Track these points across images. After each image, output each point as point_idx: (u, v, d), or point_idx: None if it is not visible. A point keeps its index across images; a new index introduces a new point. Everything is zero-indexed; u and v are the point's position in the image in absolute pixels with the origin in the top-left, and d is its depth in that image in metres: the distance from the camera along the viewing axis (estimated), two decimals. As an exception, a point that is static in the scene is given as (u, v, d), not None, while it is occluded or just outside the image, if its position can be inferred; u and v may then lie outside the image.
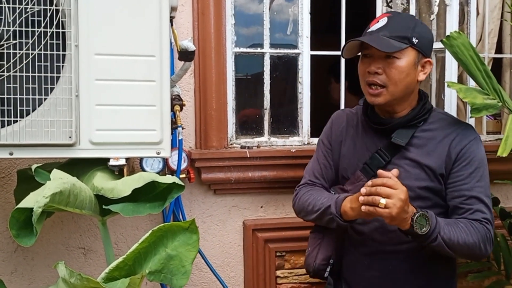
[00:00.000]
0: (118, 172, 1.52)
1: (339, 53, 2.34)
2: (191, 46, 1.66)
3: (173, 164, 2.06)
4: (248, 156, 2.14)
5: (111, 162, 1.49)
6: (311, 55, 2.34)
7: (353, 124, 1.73)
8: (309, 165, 1.82)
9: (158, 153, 1.52)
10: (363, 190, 1.42)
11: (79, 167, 1.59)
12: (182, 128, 1.84)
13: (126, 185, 1.37)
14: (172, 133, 1.84)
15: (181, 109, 1.74)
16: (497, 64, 2.62)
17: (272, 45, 2.31)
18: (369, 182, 1.44)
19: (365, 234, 1.65)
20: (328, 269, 1.73)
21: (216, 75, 2.15)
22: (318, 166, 1.78)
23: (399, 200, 1.37)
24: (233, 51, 2.25)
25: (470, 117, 1.53)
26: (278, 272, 2.27)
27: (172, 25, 1.63)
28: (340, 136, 1.74)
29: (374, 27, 1.57)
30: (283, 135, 2.37)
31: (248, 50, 2.31)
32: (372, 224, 1.62)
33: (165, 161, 2.02)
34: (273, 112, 2.36)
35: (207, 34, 2.14)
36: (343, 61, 2.37)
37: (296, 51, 2.34)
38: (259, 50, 2.31)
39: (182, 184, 1.37)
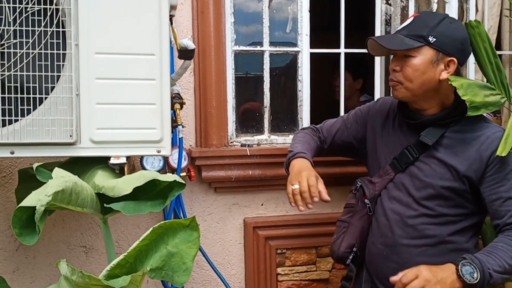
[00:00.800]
0: (118, 171, 1.53)
1: (338, 50, 2.38)
2: (190, 45, 1.67)
3: (174, 163, 2.07)
4: (249, 154, 2.15)
5: (112, 161, 1.50)
6: (311, 53, 2.35)
7: (393, 116, 1.78)
8: (334, 120, 1.97)
9: (159, 152, 1.53)
10: None
11: (80, 165, 1.60)
12: (183, 127, 1.84)
13: (127, 184, 1.38)
14: (172, 132, 1.85)
15: (181, 107, 1.75)
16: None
17: (272, 43, 2.32)
18: None
19: (385, 226, 1.70)
20: (350, 257, 1.78)
21: (216, 74, 2.16)
22: (338, 125, 1.92)
23: (429, 281, 1.40)
24: (232, 49, 2.26)
25: (467, 116, 1.52)
26: (279, 270, 2.28)
27: (171, 23, 1.64)
28: (378, 121, 1.82)
29: (401, 26, 1.65)
30: (283, 133, 2.38)
31: (248, 48, 2.31)
32: (393, 217, 1.68)
33: (166, 159, 2.03)
34: (273, 110, 2.37)
35: (206, 33, 2.14)
36: (342, 59, 2.37)
37: (295, 49, 2.34)
38: (258, 48, 2.31)
39: (183, 182, 1.38)
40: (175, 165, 2.07)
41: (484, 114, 2.50)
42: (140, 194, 1.45)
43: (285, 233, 2.27)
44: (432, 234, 1.64)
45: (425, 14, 1.65)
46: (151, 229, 1.21)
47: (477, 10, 2.47)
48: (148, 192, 1.45)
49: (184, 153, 2.07)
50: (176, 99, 1.71)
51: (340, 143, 1.92)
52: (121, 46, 1.48)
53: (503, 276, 1.48)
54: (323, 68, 3.06)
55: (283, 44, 2.36)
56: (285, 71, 2.43)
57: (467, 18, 2.34)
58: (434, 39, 1.55)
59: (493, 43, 2.50)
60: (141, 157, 1.88)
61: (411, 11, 2.35)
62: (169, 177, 1.36)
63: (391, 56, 1.70)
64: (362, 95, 3.21)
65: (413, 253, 1.65)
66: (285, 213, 2.31)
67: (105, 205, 1.40)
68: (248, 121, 2.38)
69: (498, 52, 2.53)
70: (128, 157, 1.62)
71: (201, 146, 2.18)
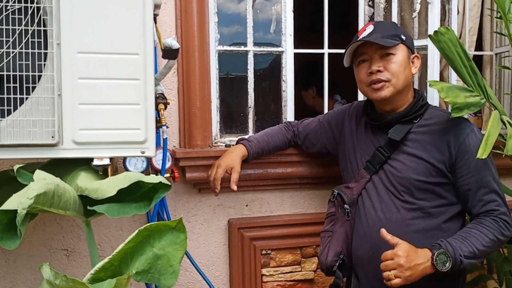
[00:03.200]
0: (102, 172, 1.50)
1: (322, 51, 2.38)
2: (175, 44, 1.65)
3: (157, 164, 2.04)
4: (233, 154, 2.13)
5: (95, 162, 1.47)
6: (295, 53, 2.34)
7: (364, 120, 1.84)
8: (312, 118, 2.08)
9: (143, 152, 1.51)
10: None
11: (63, 167, 1.57)
12: (167, 127, 1.82)
13: (111, 185, 1.36)
14: (156, 132, 1.83)
15: (165, 107, 1.72)
16: (478, 62, 2.65)
17: (256, 44, 2.31)
18: None
19: (368, 227, 1.73)
20: (337, 264, 1.80)
21: (200, 74, 2.14)
22: (313, 123, 2.04)
23: (401, 265, 1.49)
24: (216, 49, 2.24)
25: (451, 117, 1.54)
26: (264, 271, 2.27)
27: (155, 23, 1.61)
28: (353, 125, 1.88)
29: (363, 34, 1.71)
30: (267, 134, 2.36)
31: (232, 48, 2.30)
32: (375, 217, 1.72)
33: (149, 160, 2.01)
34: (257, 110, 2.36)
35: (190, 32, 2.12)
36: (326, 59, 2.37)
37: (279, 49, 2.34)
38: (242, 48, 2.30)
39: (169, 183, 1.36)
40: (158, 166, 2.04)
41: (466, 116, 2.55)
42: (124, 196, 1.42)
43: (269, 234, 2.26)
44: (415, 229, 1.67)
45: (382, 22, 1.80)
46: (136, 231, 1.19)
47: (458, 11, 2.50)
48: (133, 194, 1.43)
49: (168, 154, 2.05)
50: (160, 99, 1.68)
51: (313, 141, 2.03)
52: (104, 45, 1.46)
53: (471, 261, 1.57)
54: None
55: (267, 45, 2.36)
56: (269, 71, 2.42)
57: (450, 18, 2.36)
58: (405, 37, 1.70)
59: (473, 44, 2.57)
60: (124, 158, 1.85)
61: (394, 12, 2.36)
62: (154, 178, 1.34)
63: (356, 66, 1.75)
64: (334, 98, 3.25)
65: None
66: (269, 213, 2.31)
67: (88, 207, 1.37)
68: (233, 122, 2.37)
69: (478, 53, 2.60)
70: (111, 158, 1.60)
71: (185, 146, 2.16)
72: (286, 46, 2.33)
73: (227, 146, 2.23)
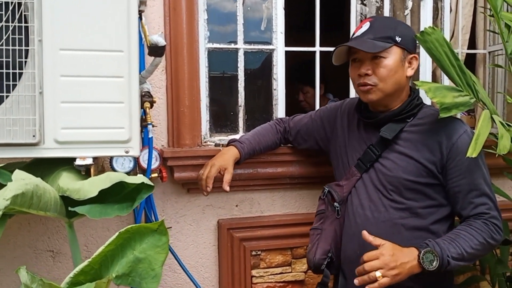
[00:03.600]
0: (85, 172, 1.47)
1: (314, 49, 2.35)
2: (161, 41, 1.61)
3: (145, 163, 1.99)
4: (222, 154, 2.09)
5: (77, 162, 1.43)
6: (286, 51, 2.31)
7: (357, 118, 1.81)
8: (304, 114, 2.05)
9: (127, 152, 1.47)
10: (356, 281, 1.50)
11: (45, 167, 1.53)
12: (153, 126, 1.78)
13: (93, 186, 1.32)
14: (142, 131, 1.79)
15: (151, 106, 1.68)
16: (471, 61, 2.63)
17: (247, 42, 2.27)
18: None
19: (357, 225, 1.70)
20: (325, 263, 1.78)
21: (189, 72, 2.10)
22: (305, 119, 2.01)
23: (388, 264, 1.45)
24: (206, 47, 2.20)
25: (439, 118, 1.51)
26: (254, 272, 2.24)
27: (141, 19, 1.58)
28: (345, 122, 1.85)
29: (358, 32, 1.67)
30: (258, 133, 2.33)
31: (222, 46, 2.26)
32: (364, 215, 1.69)
33: (136, 160, 1.97)
34: (248, 109, 2.32)
35: (179, 30, 2.08)
36: (317, 57, 2.34)
37: (270, 47, 2.30)
38: (233, 46, 2.26)
39: (151, 184, 1.32)
40: (146, 166, 2.01)
41: (459, 115, 2.53)
42: (107, 196, 1.39)
43: (260, 235, 2.23)
44: (403, 229, 1.64)
45: (381, 18, 1.72)
46: (117, 233, 1.15)
47: (451, 9, 2.47)
48: (115, 195, 1.39)
49: (155, 153, 2.01)
50: (146, 98, 1.65)
51: (304, 137, 2.00)
52: (87, 42, 1.42)
53: (459, 263, 1.53)
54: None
55: (258, 43, 2.32)
56: (260, 69, 2.39)
57: (442, 17, 2.33)
58: (400, 39, 1.62)
59: (466, 43, 2.54)
60: (111, 158, 1.81)
61: (386, 10, 2.33)
62: (137, 178, 1.31)
63: (350, 63, 1.72)
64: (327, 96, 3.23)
65: None
66: (260, 214, 2.27)
67: (69, 208, 1.33)
68: (222, 120, 2.33)
69: (472, 52, 2.57)
70: (95, 158, 1.56)
71: (173, 146, 2.13)
72: (277, 44, 2.30)
73: (217, 145, 2.19)
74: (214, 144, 2.21)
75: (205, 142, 2.21)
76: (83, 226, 2.08)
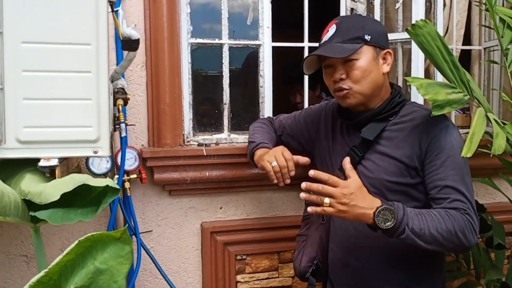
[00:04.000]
0: (49, 174, 1.37)
1: (302, 44, 2.26)
2: (134, 34, 1.52)
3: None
4: (205, 154, 2.00)
5: (41, 163, 1.34)
6: (273, 47, 2.22)
7: (338, 120, 1.73)
8: (288, 114, 1.96)
9: (95, 152, 1.37)
10: (303, 185, 1.42)
11: (9, 168, 1.43)
12: (127, 125, 1.69)
13: (55, 189, 1.22)
14: (116, 131, 1.70)
15: (125, 103, 1.59)
16: (466, 57, 2.54)
17: (232, 37, 2.18)
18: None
19: (342, 230, 1.63)
20: (310, 270, 1.70)
21: (170, 67, 2.01)
22: (289, 120, 1.92)
23: (340, 198, 1.38)
24: (189, 42, 2.11)
25: (431, 116, 1.42)
26: (239, 277, 2.14)
27: (112, 10, 1.48)
28: (329, 124, 1.76)
29: (325, 37, 1.59)
30: (244, 132, 2.23)
31: (206, 41, 2.16)
32: (349, 221, 1.57)
33: (114, 160, 1.88)
34: (233, 107, 2.23)
35: (159, 23, 1.99)
36: (306, 53, 2.24)
37: (256, 42, 2.20)
38: (217, 41, 2.17)
39: (117, 187, 1.22)
40: (125, 167, 1.92)
41: (453, 113, 2.44)
42: (73, 200, 1.29)
43: (245, 238, 2.13)
44: None
45: (346, 18, 1.64)
46: (76, 242, 1.05)
47: (444, 4, 2.38)
48: (83, 198, 1.29)
49: (134, 153, 1.92)
50: (119, 94, 1.55)
51: (288, 138, 1.91)
52: (51, 35, 1.32)
53: (416, 239, 1.40)
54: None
55: (244, 38, 2.22)
56: (246, 66, 2.29)
57: (435, 11, 2.24)
58: (369, 37, 1.54)
59: (461, 39, 2.45)
60: (87, 159, 1.73)
61: (377, 3, 2.24)
62: (102, 181, 1.21)
63: (323, 70, 1.63)
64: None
65: (372, 256, 1.57)
66: (245, 216, 2.18)
67: (31, 213, 1.23)
68: (207, 119, 2.24)
69: (467, 48, 2.48)
70: (64, 159, 1.47)
71: (154, 145, 2.03)
72: (264, 39, 2.20)
73: (200, 145, 2.10)
74: (197, 143, 2.11)
75: (188, 141, 2.12)
76: (59, 230, 1.99)
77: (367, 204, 1.40)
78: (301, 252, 1.73)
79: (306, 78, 2.26)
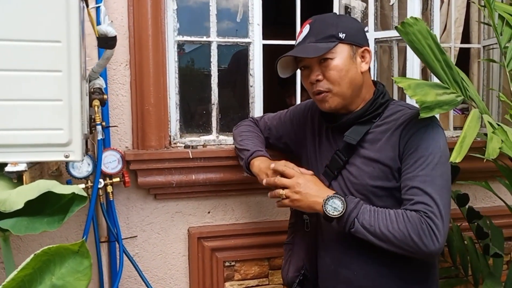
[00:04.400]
0: (17, 180, 1.29)
1: (292, 42, 2.16)
2: (110, 31, 1.44)
3: (106, 167, 1.84)
4: (191, 156, 1.92)
5: (8, 168, 1.25)
6: (264, 45, 2.13)
7: (322, 123, 1.64)
8: (274, 114, 1.89)
9: (67, 156, 1.29)
10: (263, 181, 1.55)
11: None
12: (102, 127, 1.61)
13: (20, 196, 1.14)
14: (92, 133, 1.62)
15: (103, 104, 1.51)
16: (465, 55, 2.45)
17: (220, 34, 2.10)
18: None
19: (330, 238, 1.55)
20: (297, 280, 1.63)
21: (154, 66, 1.92)
22: (275, 121, 1.85)
23: (294, 187, 1.44)
24: (175, 39, 2.03)
25: (420, 117, 1.33)
26: (227, 284, 2.06)
27: (87, 5, 1.40)
28: (316, 125, 1.68)
29: (300, 38, 1.53)
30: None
31: (193, 38, 2.08)
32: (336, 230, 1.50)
33: (96, 163, 1.80)
34: (222, 107, 2.15)
35: (143, 20, 1.90)
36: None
37: (246, 40, 2.12)
38: (205, 38, 2.08)
39: (84, 195, 1.14)
40: (107, 170, 1.84)
41: (451, 113, 2.35)
42: (44, 208, 1.21)
43: (234, 244, 2.05)
44: None
45: (320, 18, 1.55)
46: (32, 255, 0.97)
47: (442, 1, 2.29)
48: (52, 206, 1.21)
49: (118, 156, 1.85)
50: (96, 95, 1.48)
51: (274, 140, 1.84)
52: (17, 31, 1.24)
53: (367, 235, 1.37)
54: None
55: (233, 35, 2.14)
56: (236, 64, 2.20)
57: (432, 8, 2.15)
58: (344, 34, 1.47)
59: (460, 37, 2.36)
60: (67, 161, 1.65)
61: (371, 1, 2.15)
62: (67, 188, 1.13)
63: (300, 73, 1.59)
64: None
65: (361, 264, 1.49)
66: (234, 221, 2.10)
67: (-7, 222, 1.15)
68: (194, 120, 2.16)
69: (465, 46, 2.39)
70: (36, 163, 1.39)
71: (138, 147, 1.95)
72: (254, 36, 2.12)
73: (187, 147, 2.02)
74: (184, 145, 2.03)
75: (174, 143, 2.04)
76: (40, 236, 1.91)
77: (320, 193, 1.42)
78: (288, 261, 1.65)
79: (298, 79, 2.18)
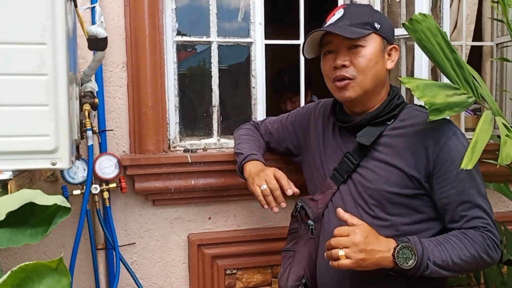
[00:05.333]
0: (1, 188, 1.23)
1: (296, 42, 2.09)
2: (101, 32, 1.37)
3: (102, 172, 1.78)
4: (190, 161, 1.85)
5: (-9, 177, 1.20)
6: (266, 45, 2.06)
7: (332, 122, 1.57)
8: (275, 118, 1.82)
9: (54, 164, 1.23)
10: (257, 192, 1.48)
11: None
12: (93, 132, 1.55)
13: (2, 207, 1.08)
14: (83, 138, 1.56)
15: (94, 108, 1.45)
16: (477, 54, 2.36)
17: (221, 34, 2.03)
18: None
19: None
20: None
21: (152, 68, 1.86)
22: (276, 125, 1.77)
23: (356, 245, 1.26)
24: (174, 40, 1.96)
25: (428, 120, 1.25)
26: (229, 293, 2.00)
27: (76, 5, 1.34)
28: (320, 127, 1.61)
29: (331, 19, 1.44)
30: (235, 136, 2.08)
31: (192, 39, 2.01)
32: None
33: (93, 167, 1.75)
34: (223, 109, 2.08)
35: (139, 20, 1.84)
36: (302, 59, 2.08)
37: (248, 40, 2.05)
38: (205, 39, 2.02)
39: (68, 206, 1.08)
40: (103, 175, 1.78)
41: (462, 114, 2.25)
42: (29, 218, 1.15)
43: (235, 251, 1.98)
44: None
45: (354, 5, 1.51)
46: (9, 272, 0.91)
47: (453, -4, 2.20)
48: (37, 216, 1.15)
49: (114, 161, 1.79)
50: (87, 99, 1.41)
51: (275, 144, 1.78)
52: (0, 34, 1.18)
53: (441, 271, 1.30)
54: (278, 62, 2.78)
55: (234, 35, 2.07)
56: (237, 65, 2.13)
57: (442, 5, 2.06)
58: (379, 25, 1.41)
59: (471, 34, 2.27)
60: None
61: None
62: (50, 199, 1.06)
63: (322, 57, 1.49)
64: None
65: (368, 275, 1.39)
66: (236, 227, 2.03)
67: (-25, 234, 1.09)
68: (195, 123, 2.09)
69: (477, 44, 2.30)
70: (23, 171, 1.33)
71: (135, 152, 1.89)
72: (256, 36, 2.04)
73: (186, 150, 1.95)
74: (183, 149, 1.97)
75: (174, 146, 1.98)
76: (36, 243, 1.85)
77: (383, 246, 1.28)
78: (288, 269, 1.57)
79: (302, 84, 2.10)
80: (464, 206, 1.34)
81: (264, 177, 1.50)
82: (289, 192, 1.47)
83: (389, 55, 1.45)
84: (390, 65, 1.45)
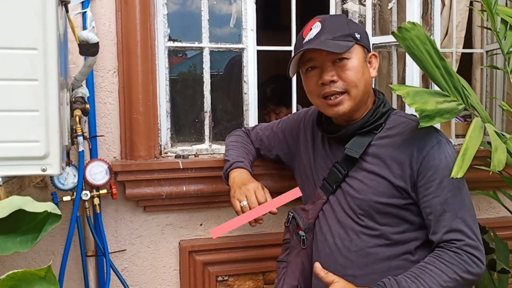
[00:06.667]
0: (-10, 195, 1.21)
1: (288, 48, 2.10)
2: (92, 37, 1.36)
3: (92, 178, 1.77)
4: (181, 167, 1.84)
5: (-20, 183, 1.18)
6: (258, 51, 2.06)
7: (319, 132, 1.55)
8: (266, 124, 1.81)
9: (44, 170, 1.22)
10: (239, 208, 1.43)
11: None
12: (84, 138, 1.54)
13: (-9, 214, 1.06)
14: (74, 144, 1.55)
15: (85, 113, 1.44)
16: (467, 61, 2.37)
17: (213, 40, 2.02)
18: None
19: (327, 256, 1.46)
20: None
21: (143, 73, 1.85)
22: (267, 132, 1.75)
23: None
24: (166, 45, 1.96)
25: (419, 127, 1.25)
26: (220, 300, 1.98)
27: (67, 10, 1.33)
28: (309, 136, 1.59)
29: (310, 35, 1.39)
30: (227, 142, 2.07)
31: (184, 44, 2.01)
32: (334, 244, 1.44)
33: (83, 174, 1.73)
34: (215, 115, 2.07)
35: (131, 26, 1.83)
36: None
37: (240, 45, 2.05)
38: (197, 44, 2.01)
39: (58, 213, 1.07)
40: (94, 182, 1.77)
41: (453, 121, 2.26)
42: (20, 225, 1.13)
43: (227, 258, 1.97)
44: (378, 258, 1.40)
45: (330, 16, 1.48)
46: (-3, 281, 0.90)
47: (443, 4, 2.22)
48: (28, 223, 1.13)
49: (105, 166, 1.78)
50: (78, 104, 1.40)
51: (266, 151, 1.76)
52: (-10, 38, 1.17)
53: None
54: (271, 68, 2.77)
55: (226, 41, 2.07)
56: (229, 71, 2.13)
57: (432, 12, 2.07)
58: (359, 35, 1.40)
59: (462, 41, 2.28)
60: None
61: (369, 3, 2.08)
62: (40, 206, 1.04)
63: (304, 74, 1.45)
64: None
65: (360, 285, 1.39)
66: (227, 234, 2.01)
67: (-37, 241, 1.08)
68: (186, 128, 2.08)
69: (467, 51, 2.31)
70: (13, 177, 1.31)
71: (126, 158, 1.87)
72: (247, 42, 2.04)
73: (178, 156, 1.94)
74: (175, 155, 1.96)
75: (165, 152, 1.97)
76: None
77: None
78: (282, 280, 1.56)
79: (294, 96, 2.10)
80: (445, 215, 1.33)
81: (246, 193, 1.45)
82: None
83: (370, 63, 1.44)
84: (373, 73, 1.44)
